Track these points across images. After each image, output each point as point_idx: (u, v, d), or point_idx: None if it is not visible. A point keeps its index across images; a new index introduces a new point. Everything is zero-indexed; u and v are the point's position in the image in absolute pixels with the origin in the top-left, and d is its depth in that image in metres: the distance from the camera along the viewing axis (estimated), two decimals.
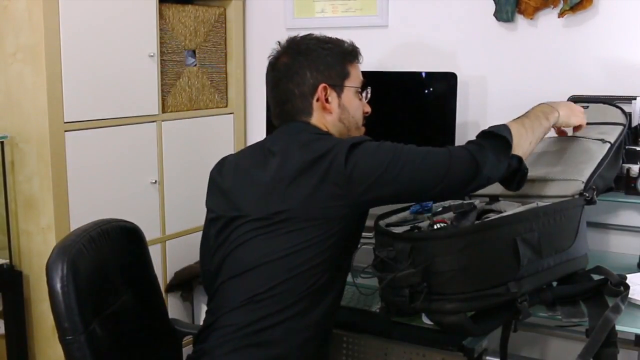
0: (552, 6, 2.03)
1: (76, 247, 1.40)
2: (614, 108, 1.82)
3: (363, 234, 1.53)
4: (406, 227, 1.53)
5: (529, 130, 1.51)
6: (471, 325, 1.38)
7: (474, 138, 1.48)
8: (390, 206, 1.61)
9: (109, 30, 2.08)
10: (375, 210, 1.55)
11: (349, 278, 1.51)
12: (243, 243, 1.47)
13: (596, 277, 1.52)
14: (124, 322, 1.53)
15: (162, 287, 2.25)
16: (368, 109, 1.64)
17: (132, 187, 2.21)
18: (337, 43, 1.60)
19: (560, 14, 2.01)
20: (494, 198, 1.65)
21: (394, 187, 1.40)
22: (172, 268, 2.36)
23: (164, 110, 2.30)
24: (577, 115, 1.67)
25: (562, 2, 2.00)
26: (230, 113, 2.59)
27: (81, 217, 1.94)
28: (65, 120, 1.98)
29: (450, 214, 1.47)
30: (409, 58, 2.29)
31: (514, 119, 1.54)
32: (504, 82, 2.15)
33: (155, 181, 2.27)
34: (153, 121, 2.26)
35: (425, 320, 1.63)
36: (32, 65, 1.94)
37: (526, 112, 1.59)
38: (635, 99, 1.85)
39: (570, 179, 1.58)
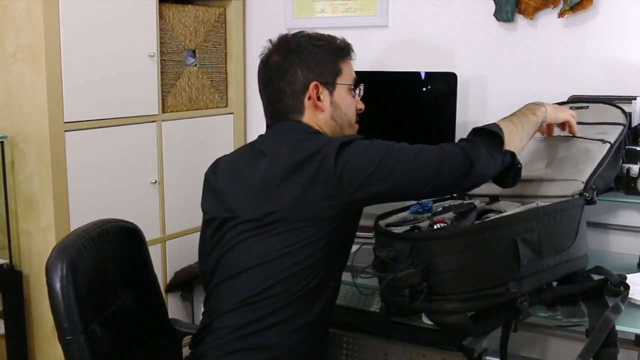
0: (552, 6, 2.03)
1: (76, 247, 1.40)
2: (614, 108, 1.82)
3: (363, 234, 1.52)
4: (406, 227, 1.53)
5: (518, 126, 1.51)
6: (471, 325, 1.38)
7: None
8: (390, 206, 1.61)
9: (109, 30, 2.08)
10: (376, 210, 1.55)
11: (349, 278, 1.51)
12: (236, 245, 1.46)
13: (596, 277, 1.52)
14: (124, 322, 1.53)
15: (162, 287, 2.25)
16: (361, 106, 1.62)
17: (132, 187, 2.21)
18: (329, 40, 1.57)
19: (560, 14, 2.01)
20: (494, 198, 1.65)
21: (385, 185, 1.38)
22: (172, 268, 2.36)
23: (164, 110, 2.30)
24: (564, 110, 1.68)
25: (562, 2, 2.00)
26: (230, 113, 2.59)
27: (81, 217, 1.94)
28: (65, 120, 1.98)
29: (450, 214, 1.47)
30: (409, 58, 2.29)
31: (502, 119, 1.54)
32: (504, 82, 2.15)
33: (155, 181, 2.27)
34: (153, 121, 2.26)
35: (425, 320, 1.63)
36: (32, 65, 1.94)
37: (513, 112, 1.59)
38: (635, 99, 1.85)
39: (570, 179, 1.58)
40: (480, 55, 2.18)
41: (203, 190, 1.62)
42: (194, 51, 2.42)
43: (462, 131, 2.06)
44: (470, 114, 2.19)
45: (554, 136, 1.75)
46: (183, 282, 2.38)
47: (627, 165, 1.80)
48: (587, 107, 1.85)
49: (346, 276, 1.53)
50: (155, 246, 2.27)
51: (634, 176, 1.80)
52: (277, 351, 1.42)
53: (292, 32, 1.60)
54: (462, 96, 2.09)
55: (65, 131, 1.98)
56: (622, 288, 1.46)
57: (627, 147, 1.79)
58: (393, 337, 1.71)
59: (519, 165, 1.47)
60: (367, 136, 1.46)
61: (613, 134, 1.71)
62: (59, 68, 1.94)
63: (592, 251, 1.67)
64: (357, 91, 1.61)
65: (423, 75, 2.11)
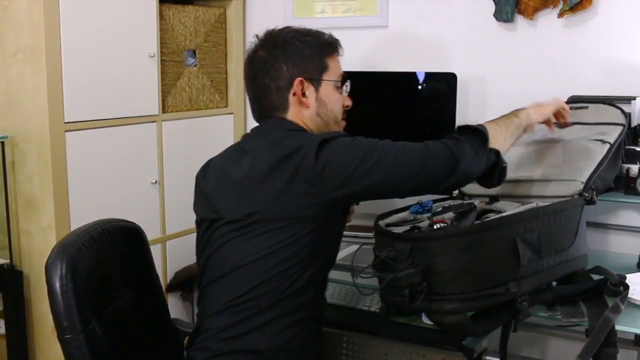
0: (552, 6, 2.03)
1: (76, 246, 1.40)
2: (614, 108, 1.82)
3: (363, 234, 1.52)
4: (406, 227, 1.53)
5: (502, 126, 1.51)
6: (471, 325, 1.38)
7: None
8: (390, 206, 1.61)
9: (109, 30, 2.08)
10: (376, 210, 1.55)
11: (349, 278, 1.51)
12: (221, 246, 1.46)
13: (596, 277, 1.52)
14: (125, 322, 1.53)
15: (163, 287, 2.25)
16: (348, 102, 1.60)
17: (132, 187, 2.21)
18: (316, 35, 1.55)
19: (560, 14, 2.01)
20: (494, 198, 1.66)
21: (367, 182, 1.37)
22: (172, 268, 2.36)
23: (164, 111, 2.30)
24: (546, 105, 1.68)
25: (561, 2, 2.01)
26: (230, 113, 2.59)
27: (81, 217, 1.94)
28: (65, 121, 1.97)
29: (450, 214, 1.47)
30: (409, 58, 2.29)
31: (485, 122, 1.53)
32: (503, 82, 2.15)
33: (156, 181, 2.27)
34: (153, 121, 2.26)
35: (425, 320, 1.63)
36: (32, 65, 1.94)
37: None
38: (634, 99, 1.85)
39: (569, 179, 1.58)
40: (480, 56, 2.18)
41: (194, 192, 1.61)
42: (194, 51, 2.42)
43: None
44: (470, 114, 2.19)
45: (554, 137, 1.76)
46: (183, 282, 2.38)
47: (626, 166, 1.80)
48: (587, 107, 1.86)
49: (346, 276, 1.53)
50: (156, 246, 2.27)
51: (634, 176, 1.80)
52: (266, 351, 1.41)
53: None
54: (461, 96, 2.09)
55: (66, 131, 1.98)
56: (621, 288, 1.46)
57: (626, 147, 1.80)
58: (393, 337, 1.72)
59: (504, 164, 1.46)
60: (366, 136, 1.44)
61: (613, 134, 1.71)
62: (60, 68, 1.94)
63: (592, 251, 1.67)
64: (344, 87, 1.58)
65: (423, 76, 2.11)
